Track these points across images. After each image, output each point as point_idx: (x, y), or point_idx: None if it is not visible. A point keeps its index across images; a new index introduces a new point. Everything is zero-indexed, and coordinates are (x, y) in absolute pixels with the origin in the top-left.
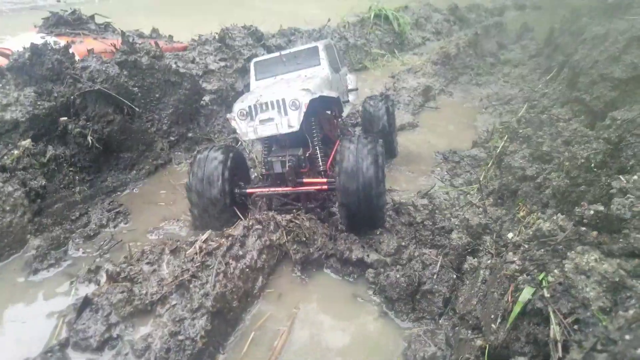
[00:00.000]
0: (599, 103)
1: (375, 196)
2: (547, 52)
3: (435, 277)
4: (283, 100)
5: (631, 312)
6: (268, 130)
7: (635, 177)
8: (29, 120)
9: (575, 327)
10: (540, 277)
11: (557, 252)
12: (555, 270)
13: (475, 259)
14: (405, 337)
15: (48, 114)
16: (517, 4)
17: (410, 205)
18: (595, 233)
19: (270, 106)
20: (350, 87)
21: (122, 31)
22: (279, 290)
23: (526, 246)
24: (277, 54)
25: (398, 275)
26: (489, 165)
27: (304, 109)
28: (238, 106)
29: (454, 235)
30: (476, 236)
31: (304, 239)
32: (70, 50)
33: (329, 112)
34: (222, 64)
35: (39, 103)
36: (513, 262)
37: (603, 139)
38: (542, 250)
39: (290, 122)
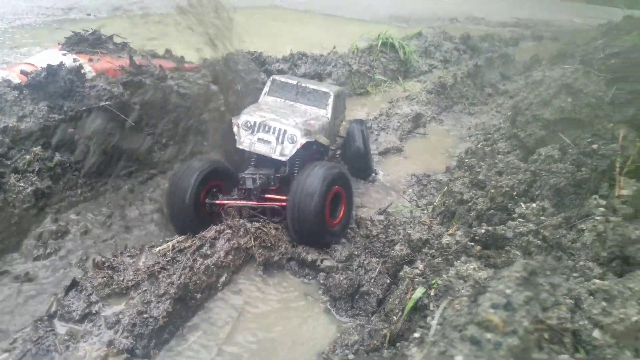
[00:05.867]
0: (531, 140)
1: (314, 217)
2: None
3: (372, 280)
4: (285, 131)
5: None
6: (262, 150)
7: (534, 205)
8: (41, 130)
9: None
10: (434, 281)
11: (448, 261)
12: (444, 275)
13: (410, 268)
14: (340, 329)
15: (58, 126)
16: (535, 35)
17: (368, 220)
18: (478, 247)
19: (272, 131)
20: (340, 134)
21: (130, 55)
22: (240, 286)
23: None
24: (295, 80)
25: (342, 278)
26: (444, 189)
27: (298, 146)
28: (245, 117)
29: (397, 247)
30: (416, 249)
31: (270, 244)
32: (88, 67)
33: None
34: (224, 85)
35: (50, 116)
36: (417, 267)
37: (530, 171)
38: (440, 259)
39: (283, 151)
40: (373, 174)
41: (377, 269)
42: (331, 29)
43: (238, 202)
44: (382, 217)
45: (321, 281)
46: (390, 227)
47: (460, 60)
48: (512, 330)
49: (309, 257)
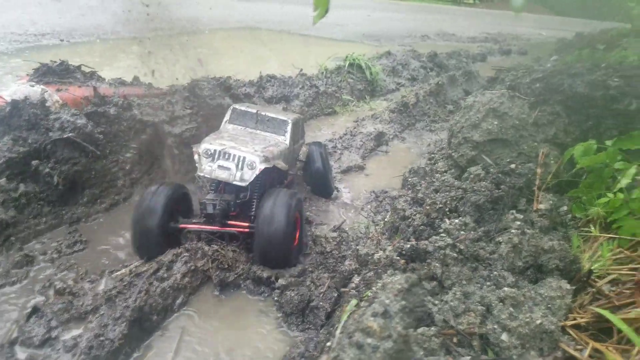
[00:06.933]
0: (463, 160)
1: (284, 241)
2: None
3: (321, 295)
4: (244, 158)
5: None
6: (222, 176)
7: (457, 220)
8: (6, 163)
9: None
10: (365, 294)
11: (378, 274)
12: (374, 288)
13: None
14: (290, 343)
15: (22, 158)
16: (503, 49)
17: (323, 238)
18: (403, 261)
19: (232, 158)
20: (300, 158)
21: (94, 87)
22: (197, 306)
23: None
24: (254, 109)
25: (293, 294)
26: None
27: (257, 172)
28: (206, 145)
29: (346, 262)
30: (364, 264)
31: (227, 266)
32: (56, 97)
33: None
34: (189, 111)
35: (15, 148)
36: (354, 282)
37: (461, 188)
38: (372, 273)
39: (243, 177)
40: (335, 192)
41: (327, 284)
42: (304, 49)
43: (202, 227)
44: (335, 234)
45: (275, 298)
46: (343, 243)
47: (427, 78)
48: (387, 335)
49: (264, 274)
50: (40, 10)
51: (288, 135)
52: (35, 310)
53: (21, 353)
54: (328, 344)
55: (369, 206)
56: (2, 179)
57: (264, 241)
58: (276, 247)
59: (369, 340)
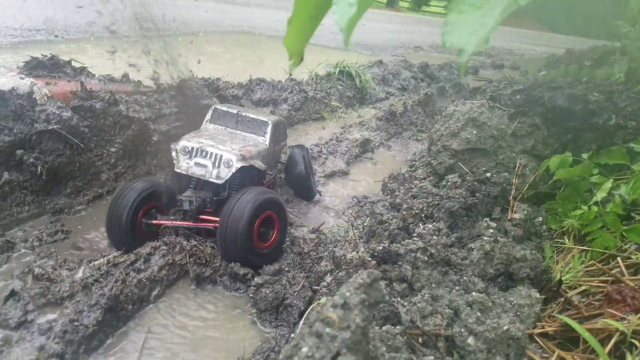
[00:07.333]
0: (441, 168)
1: (241, 236)
2: None
3: (296, 294)
4: (221, 156)
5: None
6: (198, 173)
7: (430, 225)
8: None
9: None
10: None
11: (349, 274)
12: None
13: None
14: (262, 339)
15: (7, 147)
16: (495, 64)
17: (301, 239)
18: (374, 262)
19: (209, 156)
20: (281, 160)
21: (81, 81)
22: (173, 299)
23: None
24: (235, 110)
25: (267, 291)
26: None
27: (233, 170)
28: (184, 142)
29: (322, 263)
30: (338, 264)
31: (205, 261)
32: (45, 90)
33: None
34: (175, 109)
35: (0, 138)
36: (326, 281)
37: (439, 195)
38: (344, 272)
39: (219, 174)
40: (317, 195)
41: (302, 283)
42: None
43: (173, 222)
44: (314, 236)
45: (250, 295)
46: (321, 245)
47: (417, 88)
48: (346, 326)
49: (241, 271)
50: (37, 6)
51: (268, 136)
52: (13, 293)
53: None
54: (292, 335)
55: (350, 210)
56: None
57: (222, 236)
58: (233, 241)
59: (328, 329)
